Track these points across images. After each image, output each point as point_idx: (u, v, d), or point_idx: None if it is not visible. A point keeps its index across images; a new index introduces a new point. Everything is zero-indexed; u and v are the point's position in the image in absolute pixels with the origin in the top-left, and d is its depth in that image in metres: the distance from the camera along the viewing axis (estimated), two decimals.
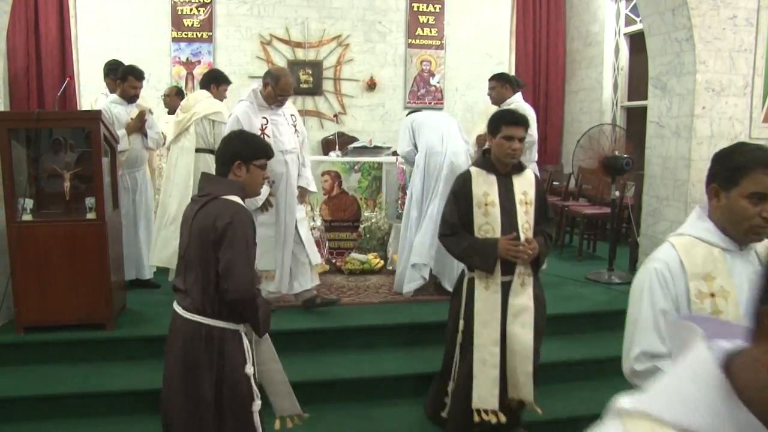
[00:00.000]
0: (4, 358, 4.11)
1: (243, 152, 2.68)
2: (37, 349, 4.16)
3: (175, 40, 8.31)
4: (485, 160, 3.40)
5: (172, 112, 6.34)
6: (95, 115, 4.30)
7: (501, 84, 5.39)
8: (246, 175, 2.68)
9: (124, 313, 4.69)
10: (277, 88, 4.39)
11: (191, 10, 8.34)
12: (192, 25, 8.37)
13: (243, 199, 2.68)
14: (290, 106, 4.75)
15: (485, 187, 3.30)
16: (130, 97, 5.22)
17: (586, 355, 4.45)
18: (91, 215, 4.30)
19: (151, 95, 8.15)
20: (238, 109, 4.43)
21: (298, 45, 8.63)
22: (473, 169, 3.39)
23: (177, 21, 8.31)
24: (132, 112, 5.21)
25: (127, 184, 5.20)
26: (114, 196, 4.77)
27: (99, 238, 4.24)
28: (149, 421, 3.76)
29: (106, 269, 4.26)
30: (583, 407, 4.00)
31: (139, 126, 5.18)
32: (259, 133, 4.27)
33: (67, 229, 4.22)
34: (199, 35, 8.38)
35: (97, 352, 4.21)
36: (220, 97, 5.39)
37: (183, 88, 8.24)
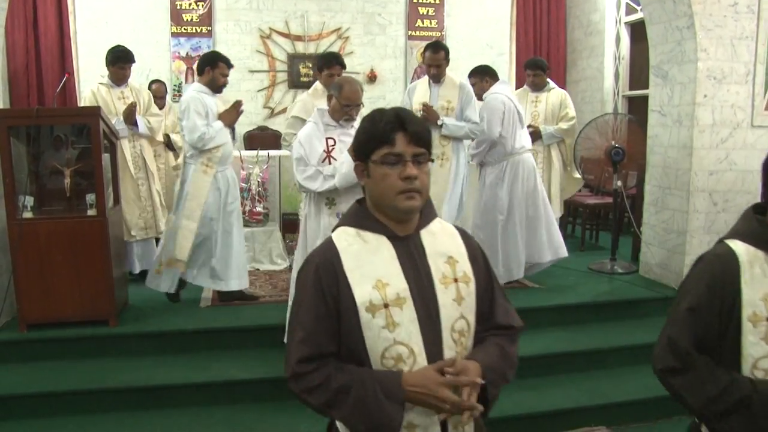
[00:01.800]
0: (8, 356, 4.12)
1: (355, 150, 1.76)
2: (40, 346, 4.17)
3: (174, 35, 8.29)
4: (763, 227, 1.75)
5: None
6: (95, 111, 4.29)
7: (480, 78, 5.38)
8: (368, 180, 1.70)
9: (127, 309, 4.69)
10: (341, 98, 3.80)
11: (190, 4, 8.31)
12: (191, 19, 8.35)
13: (384, 228, 1.70)
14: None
15: None
16: (219, 86, 4.74)
17: (589, 345, 4.44)
18: (92, 212, 4.30)
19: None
20: (301, 133, 3.90)
21: (298, 38, 8.61)
22: (742, 249, 1.74)
23: (176, 16, 8.29)
24: (218, 103, 4.78)
25: (220, 184, 4.70)
26: (115, 192, 4.77)
27: (100, 234, 4.24)
28: (153, 416, 3.78)
29: (108, 265, 4.27)
30: (585, 398, 4.00)
31: (236, 118, 4.81)
32: (323, 158, 3.79)
33: (68, 226, 4.22)
34: (199, 30, 8.35)
35: (100, 348, 4.22)
36: (328, 83, 4.73)
37: (183, 82, 8.24)
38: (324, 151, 3.80)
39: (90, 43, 8.07)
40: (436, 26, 8.94)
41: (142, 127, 5.29)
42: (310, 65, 8.55)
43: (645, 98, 5.75)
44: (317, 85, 4.95)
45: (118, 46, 5.47)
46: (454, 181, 5.07)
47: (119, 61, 5.34)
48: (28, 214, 4.24)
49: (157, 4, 8.25)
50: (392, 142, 1.63)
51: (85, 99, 5.25)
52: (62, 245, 4.19)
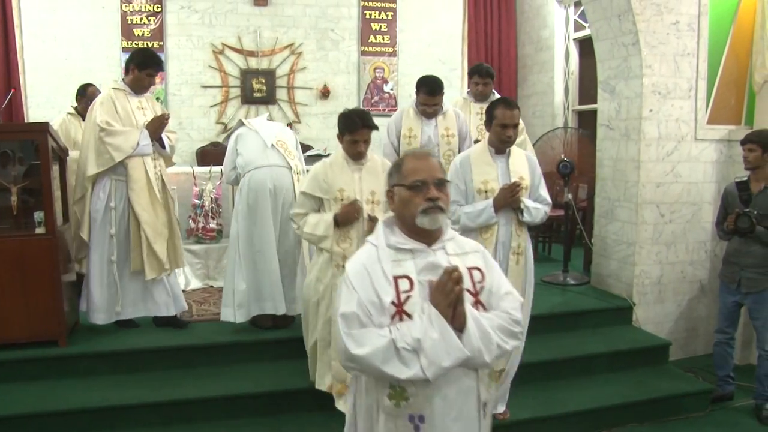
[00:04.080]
0: None
1: None
2: None
3: (125, 50, 8.16)
4: None
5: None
6: (42, 127, 4.19)
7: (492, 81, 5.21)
8: None
9: (78, 328, 4.58)
10: (402, 177, 2.12)
11: (141, 19, 8.22)
12: (142, 34, 8.25)
13: None
14: (468, 244, 2.23)
15: None
16: None
17: (543, 356, 4.50)
18: (40, 230, 4.21)
19: None
20: (351, 268, 2.09)
21: (251, 54, 8.58)
22: None
23: (127, 31, 8.18)
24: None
25: None
26: (64, 210, 4.66)
27: (49, 253, 4.14)
28: None
29: (58, 284, 4.17)
30: (543, 408, 4.05)
31: None
32: (391, 313, 2.00)
33: (15, 245, 4.11)
34: (150, 45, 8.25)
35: (49, 369, 4.10)
36: (352, 153, 3.87)
37: None
38: (393, 303, 2.00)
39: (37, 59, 7.91)
40: (389, 42, 9.01)
41: (167, 144, 4.58)
42: (263, 81, 8.53)
43: (594, 112, 5.88)
44: (340, 150, 3.76)
45: (148, 48, 4.69)
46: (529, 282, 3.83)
47: (150, 66, 4.44)
48: None
49: (108, 19, 8.14)
50: None
51: (99, 105, 4.34)
52: (8, 264, 4.08)
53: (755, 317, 4.34)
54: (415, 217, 2.07)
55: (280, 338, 4.43)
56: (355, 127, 3.59)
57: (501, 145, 3.69)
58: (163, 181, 4.55)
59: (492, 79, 5.26)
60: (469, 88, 5.36)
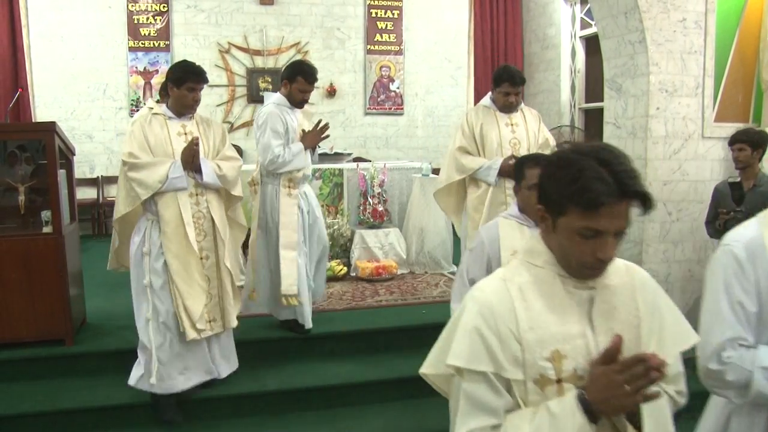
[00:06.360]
0: None
1: None
2: None
3: (131, 49, 8.20)
4: None
5: None
6: (49, 127, 4.21)
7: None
8: None
9: (85, 327, 4.60)
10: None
11: (148, 19, 8.25)
12: (149, 34, 8.27)
13: None
14: None
15: None
16: (298, 102, 4.37)
17: None
18: (47, 229, 4.22)
19: (108, 106, 8.05)
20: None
21: (257, 53, 8.59)
22: None
23: (133, 30, 8.21)
24: (300, 117, 4.44)
25: (302, 203, 4.41)
26: (72, 209, 4.68)
27: (56, 252, 4.16)
28: None
29: (65, 283, 4.19)
30: None
31: (319, 140, 4.43)
32: None
33: (22, 244, 4.13)
34: (157, 44, 8.28)
35: (56, 368, 4.13)
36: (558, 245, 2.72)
37: (141, 97, 8.14)
38: None
39: (44, 58, 7.95)
40: (395, 40, 9.01)
41: (208, 174, 3.66)
42: (269, 80, 8.54)
43: (601, 110, 5.86)
44: (541, 250, 1.56)
45: (182, 61, 3.88)
46: None
47: (190, 79, 3.70)
48: None
49: (114, 19, 8.16)
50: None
51: (128, 135, 3.71)
52: (16, 263, 4.10)
53: None
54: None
55: (284, 337, 4.44)
56: (599, 201, 1.44)
57: None
58: (212, 221, 3.74)
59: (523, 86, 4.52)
60: (492, 95, 4.50)
